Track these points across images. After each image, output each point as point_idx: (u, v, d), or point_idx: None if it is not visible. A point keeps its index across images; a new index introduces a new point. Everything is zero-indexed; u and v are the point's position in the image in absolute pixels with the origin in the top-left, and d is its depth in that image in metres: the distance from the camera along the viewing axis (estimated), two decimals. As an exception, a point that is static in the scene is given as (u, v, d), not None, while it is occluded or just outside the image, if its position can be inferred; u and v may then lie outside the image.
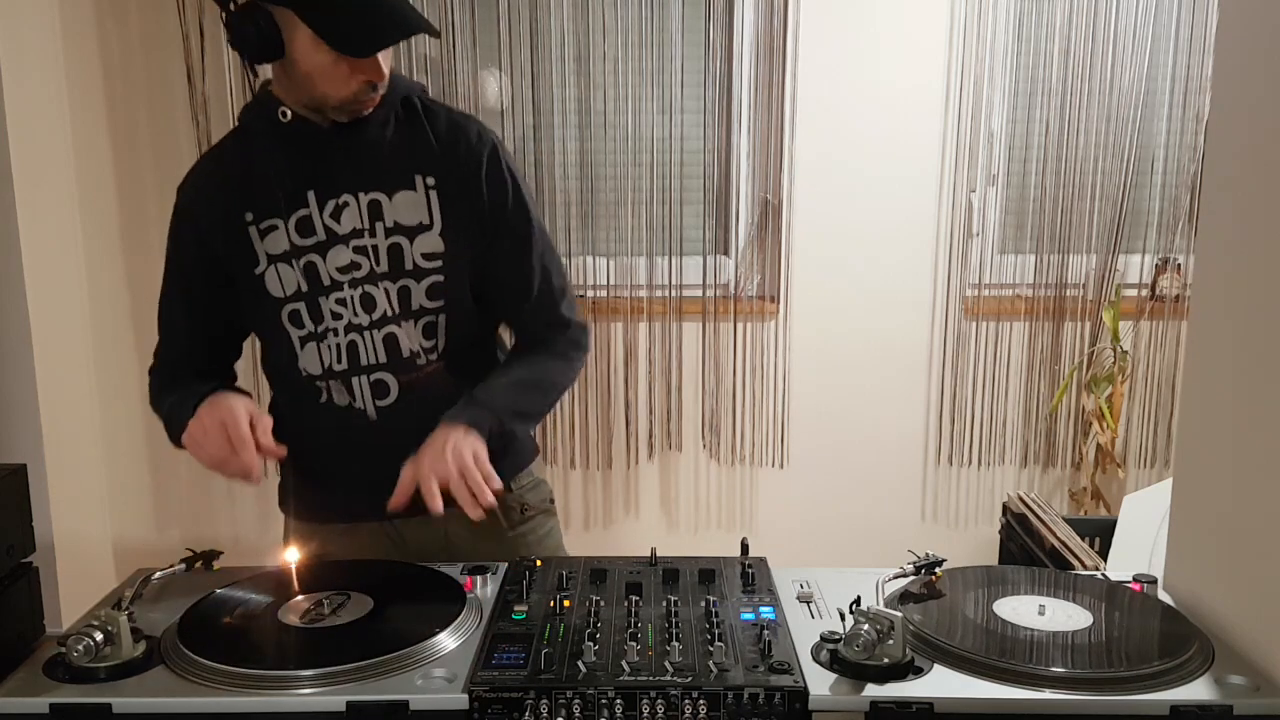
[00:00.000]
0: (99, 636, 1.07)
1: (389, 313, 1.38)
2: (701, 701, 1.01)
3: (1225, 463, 1.22)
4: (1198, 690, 1.04)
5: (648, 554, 1.35)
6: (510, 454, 1.50)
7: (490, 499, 1.28)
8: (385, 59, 1.32)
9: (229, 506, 2.96)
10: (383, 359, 1.40)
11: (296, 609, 1.20)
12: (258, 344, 1.54)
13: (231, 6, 1.31)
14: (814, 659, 1.09)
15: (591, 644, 1.09)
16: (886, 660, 1.05)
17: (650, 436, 2.91)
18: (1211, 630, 1.18)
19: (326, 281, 1.38)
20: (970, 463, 2.98)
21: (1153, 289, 2.89)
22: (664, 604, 1.21)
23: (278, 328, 1.41)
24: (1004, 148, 2.83)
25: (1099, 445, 2.90)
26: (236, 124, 1.46)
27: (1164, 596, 1.30)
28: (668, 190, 2.77)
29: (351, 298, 1.38)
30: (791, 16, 2.71)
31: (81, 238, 2.36)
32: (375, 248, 1.36)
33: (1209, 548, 1.25)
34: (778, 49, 2.73)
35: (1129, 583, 1.30)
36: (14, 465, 1.18)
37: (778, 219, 2.82)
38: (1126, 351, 2.85)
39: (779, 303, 2.87)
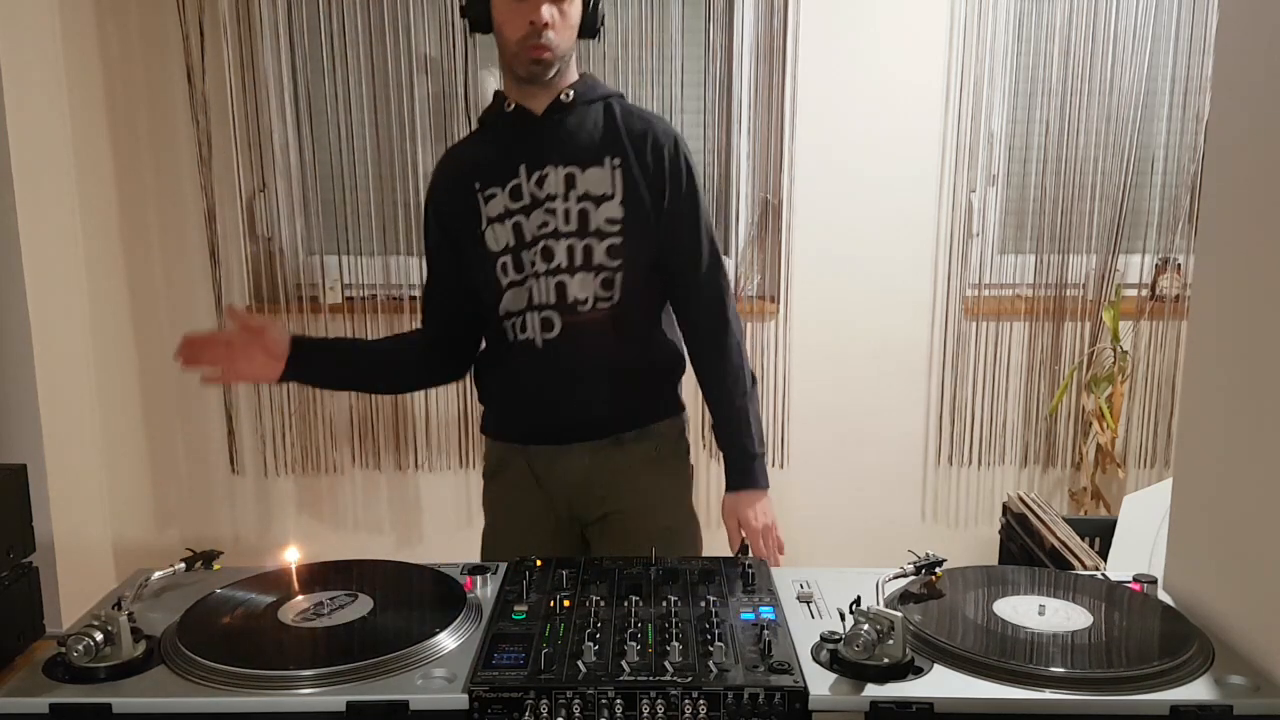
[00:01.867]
0: (99, 636, 1.07)
1: (563, 264, 1.64)
2: (701, 701, 1.01)
3: (1225, 463, 1.22)
4: (1198, 690, 1.04)
5: (648, 554, 1.35)
6: (654, 397, 1.77)
7: (779, 559, 1.69)
8: (570, 18, 1.61)
9: (229, 506, 2.97)
10: (551, 300, 1.65)
11: (296, 609, 1.20)
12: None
13: None
14: (814, 659, 1.09)
15: (591, 644, 1.09)
16: (886, 660, 1.05)
17: (650, 436, 2.91)
18: (1211, 630, 1.18)
19: (528, 238, 1.65)
20: (970, 463, 2.98)
21: (1153, 289, 2.89)
22: (664, 604, 1.21)
23: (491, 277, 1.68)
24: (1004, 148, 2.83)
25: (1099, 445, 2.90)
26: (476, 125, 1.79)
27: (1164, 596, 1.30)
28: (668, 190, 2.77)
29: (538, 249, 1.65)
30: (791, 16, 2.71)
31: (81, 238, 2.36)
32: (567, 210, 1.64)
33: (1209, 548, 1.25)
34: (778, 49, 2.73)
35: (1129, 583, 1.30)
36: (14, 465, 1.18)
37: (778, 219, 2.82)
38: (1126, 351, 2.85)
39: (779, 302, 2.87)
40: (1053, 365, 2.92)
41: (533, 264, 1.65)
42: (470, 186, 1.68)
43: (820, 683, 1.04)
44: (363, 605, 1.20)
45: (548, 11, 1.57)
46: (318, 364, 1.69)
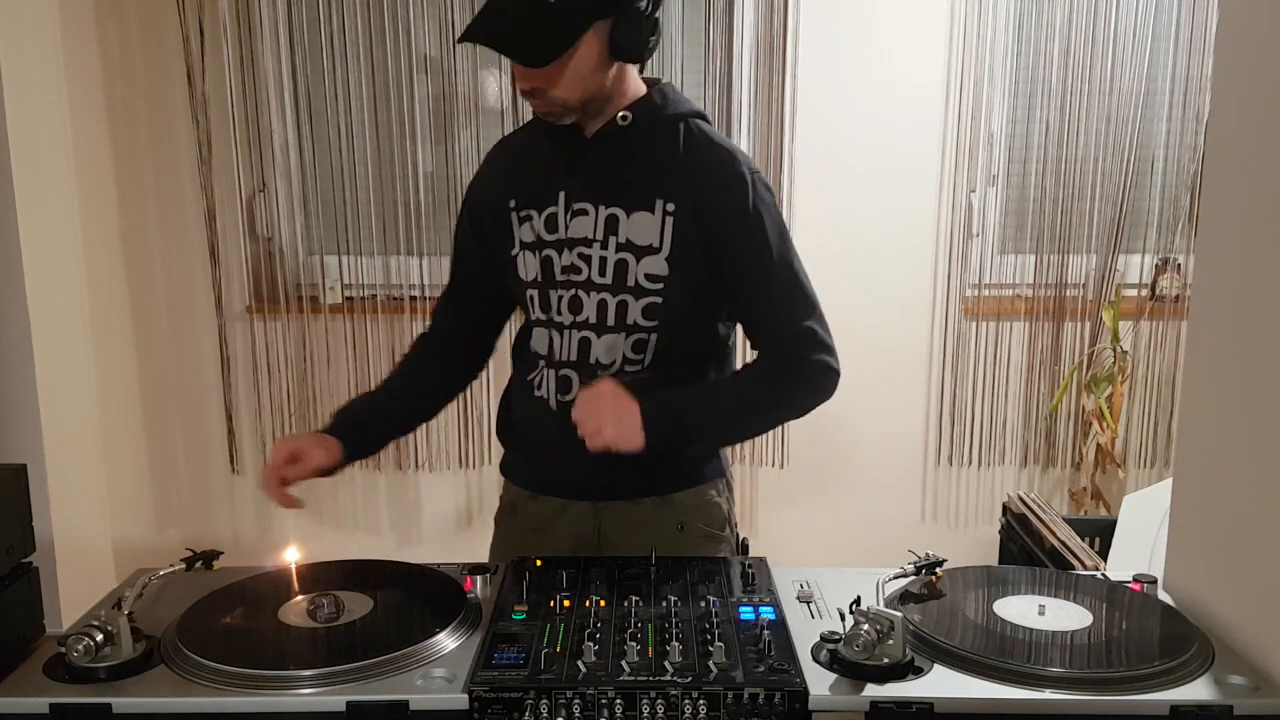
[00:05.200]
0: (99, 636, 1.07)
1: (590, 320, 1.42)
2: (701, 701, 1.01)
3: (1225, 463, 1.22)
4: (1198, 690, 1.04)
5: (648, 554, 1.35)
6: (676, 465, 1.51)
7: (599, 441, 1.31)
8: (563, 78, 1.31)
9: (229, 506, 2.97)
10: (572, 358, 1.45)
11: (296, 609, 1.20)
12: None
13: None
14: (814, 659, 1.09)
15: (591, 644, 1.09)
16: (886, 660, 1.05)
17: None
18: (1211, 630, 1.18)
19: (557, 277, 1.44)
20: (970, 463, 2.98)
21: (1153, 289, 2.89)
22: (664, 604, 1.21)
23: (524, 306, 1.51)
24: (1004, 148, 2.83)
25: (1099, 445, 2.89)
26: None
27: (1164, 596, 1.30)
28: (668, 190, 2.77)
29: (565, 297, 1.44)
30: (791, 16, 2.71)
31: (81, 238, 2.36)
32: (603, 260, 1.40)
33: (1209, 548, 1.25)
34: (778, 49, 2.73)
35: (1129, 583, 1.30)
36: (14, 465, 1.18)
37: (778, 219, 2.82)
38: (1126, 351, 2.85)
39: (779, 303, 2.86)
40: (1053, 365, 2.92)
41: (558, 309, 1.44)
42: (506, 202, 1.47)
43: (820, 683, 1.04)
44: (363, 605, 1.20)
45: (528, 84, 1.33)
46: (366, 441, 1.54)
